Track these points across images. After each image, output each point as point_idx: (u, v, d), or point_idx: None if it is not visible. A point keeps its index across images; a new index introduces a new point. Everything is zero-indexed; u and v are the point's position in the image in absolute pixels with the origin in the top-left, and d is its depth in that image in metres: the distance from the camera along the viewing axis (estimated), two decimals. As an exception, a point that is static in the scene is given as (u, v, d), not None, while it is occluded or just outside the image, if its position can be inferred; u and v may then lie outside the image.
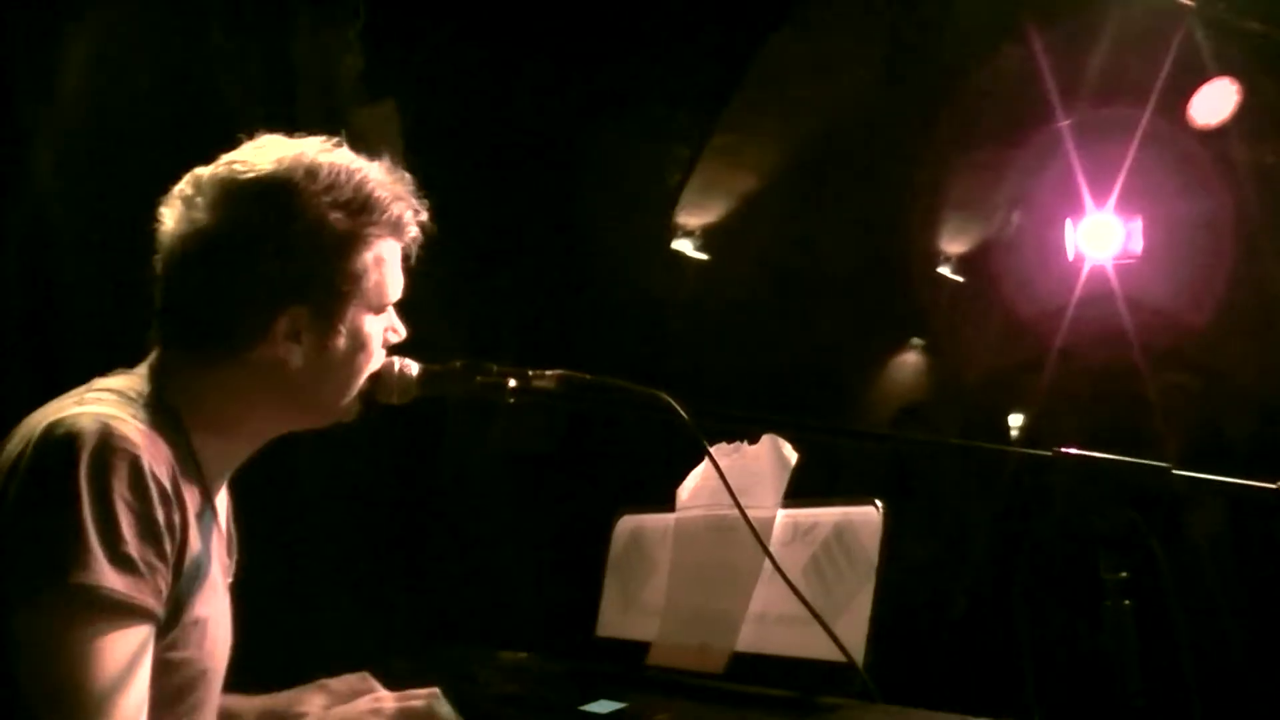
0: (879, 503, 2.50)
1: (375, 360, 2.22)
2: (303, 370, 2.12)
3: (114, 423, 1.88)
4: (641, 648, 2.79)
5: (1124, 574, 1.95)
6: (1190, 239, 5.85)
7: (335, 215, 2.09)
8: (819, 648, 2.36)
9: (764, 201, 6.64)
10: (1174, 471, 1.92)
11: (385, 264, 2.18)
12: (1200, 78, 5.49)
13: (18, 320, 3.67)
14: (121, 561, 1.82)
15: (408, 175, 2.22)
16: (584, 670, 2.82)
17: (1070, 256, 6.18)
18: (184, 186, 2.12)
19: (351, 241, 2.12)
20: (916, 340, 7.66)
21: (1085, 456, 1.97)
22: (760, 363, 6.07)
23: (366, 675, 2.44)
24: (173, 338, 2.12)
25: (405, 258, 2.23)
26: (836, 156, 6.50)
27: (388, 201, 2.15)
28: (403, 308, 2.26)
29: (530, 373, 2.27)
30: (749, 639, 2.59)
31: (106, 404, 1.95)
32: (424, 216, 2.22)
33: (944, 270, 7.51)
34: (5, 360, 3.60)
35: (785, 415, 2.55)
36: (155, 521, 1.88)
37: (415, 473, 4.74)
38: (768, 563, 2.53)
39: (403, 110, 4.73)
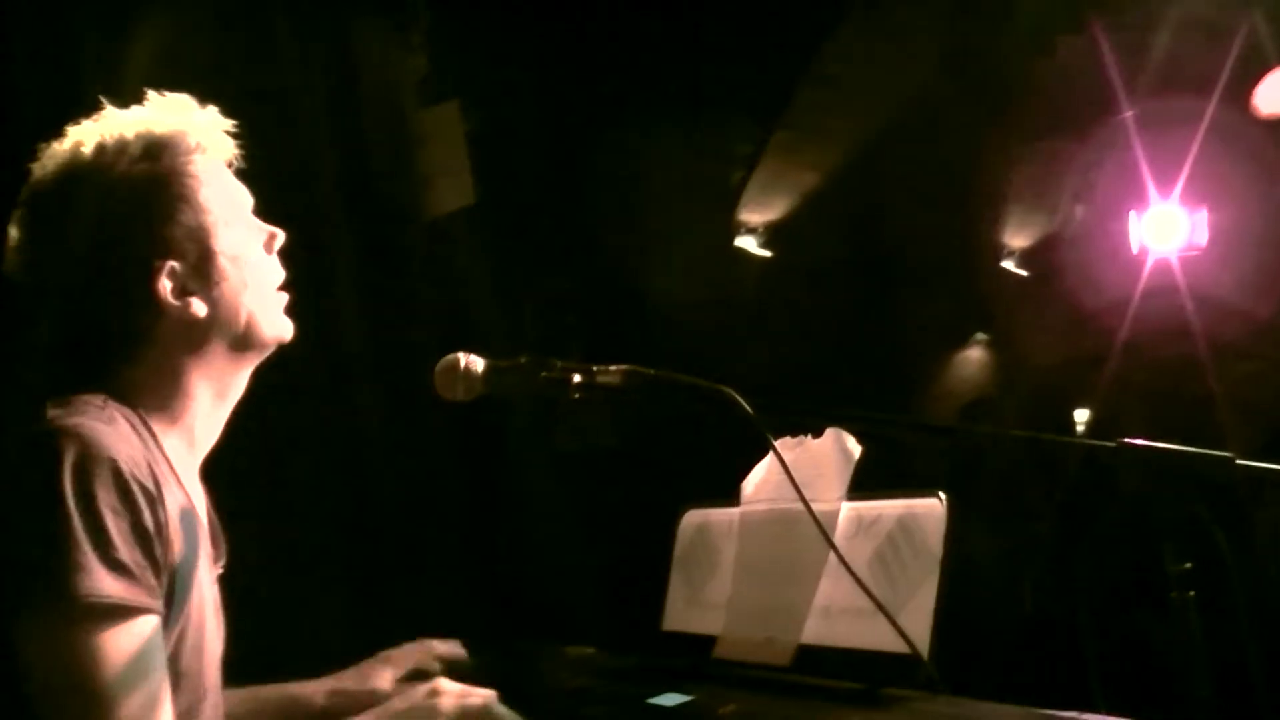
0: (943, 495, 2.50)
1: (270, 267, 2.24)
2: (210, 315, 2.14)
3: (88, 431, 1.90)
4: (708, 641, 2.80)
5: (1188, 565, 1.95)
6: (1255, 230, 5.80)
7: (140, 168, 2.10)
8: (884, 640, 2.37)
9: (827, 198, 6.63)
10: (1237, 462, 1.92)
11: (213, 181, 2.18)
12: (1264, 67, 5.44)
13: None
14: (116, 566, 1.85)
15: (185, 96, 2.22)
16: (651, 664, 2.84)
17: (1134, 249, 6.14)
18: (10, 232, 2.14)
19: (170, 181, 2.13)
20: (981, 335, 7.63)
21: (1148, 447, 1.97)
22: (824, 358, 6.07)
23: (426, 642, 2.46)
24: (91, 358, 2.12)
25: (231, 165, 2.24)
26: (899, 152, 6.49)
27: (178, 130, 2.16)
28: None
29: (595, 369, 2.29)
30: (814, 632, 2.59)
31: (75, 410, 1.96)
32: (218, 120, 2.23)
33: (1008, 264, 7.47)
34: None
35: (848, 409, 2.56)
36: (142, 525, 1.90)
37: (483, 469, 4.77)
38: (832, 556, 2.54)
39: (466, 112, 4.76)
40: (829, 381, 5.90)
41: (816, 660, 2.55)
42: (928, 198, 6.55)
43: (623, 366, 2.28)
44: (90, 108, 2.16)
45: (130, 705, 1.83)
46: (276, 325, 2.23)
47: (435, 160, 4.15)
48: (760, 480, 2.90)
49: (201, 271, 2.13)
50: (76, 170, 2.11)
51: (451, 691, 2.21)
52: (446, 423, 2.32)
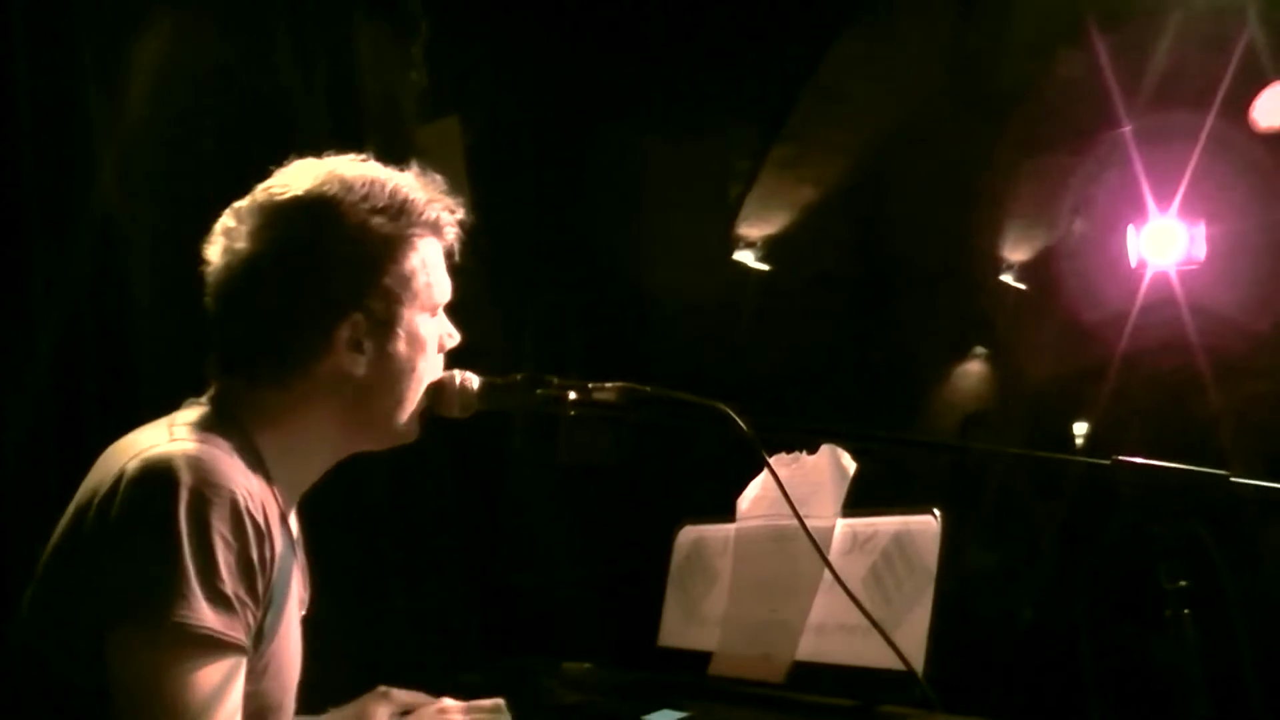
0: (937, 512, 2.51)
1: (435, 365, 2.26)
2: (367, 378, 2.16)
3: (210, 460, 1.92)
4: (703, 657, 2.81)
5: (1184, 583, 1.95)
6: (1254, 244, 5.80)
7: (377, 220, 2.14)
8: (879, 657, 2.38)
9: (825, 212, 6.63)
10: (1232, 479, 1.92)
11: (431, 265, 2.22)
12: (1263, 81, 5.44)
13: (89, 342, 3.71)
14: (218, 599, 1.87)
15: (439, 177, 2.26)
16: (646, 680, 2.84)
17: (1133, 263, 6.14)
18: (225, 220, 2.17)
19: (396, 244, 2.16)
20: (979, 349, 7.63)
21: (1143, 464, 1.97)
22: (822, 370, 6.06)
23: (386, 690, 2.47)
24: (238, 367, 2.15)
25: (449, 256, 2.27)
26: (896, 165, 6.49)
27: (424, 203, 2.20)
28: (464, 321, 2.28)
29: (591, 385, 2.29)
30: (809, 648, 2.60)
31: (197, 438, 1.98)
32: (461, 214, 2.27)
33: (1006, 277, 7.47)
34: (77, 382, 3.64)
35: (844, 425, 2.56)
36: (250, 560, 1.92)
37: (477, 486, 4.77)
38: (827, 572, 2.54)
39: (465, 126, 4.76)
40: (827, 394, 5.90)
41: (811, 677, 2.56)
42: (926, 211, 6.55)
43: (619, 384, 2.29)
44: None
45: None
46: (409, 426, 2.25)
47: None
48: (756, 496, 2.91)
49: (380, 336, 2.16)
50: (324, 195, 2.13)
51: (457, 708, 2.22)
52: (444, 436, 2.31)
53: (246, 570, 1.92)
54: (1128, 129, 5.95)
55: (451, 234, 2.26)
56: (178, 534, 1.84)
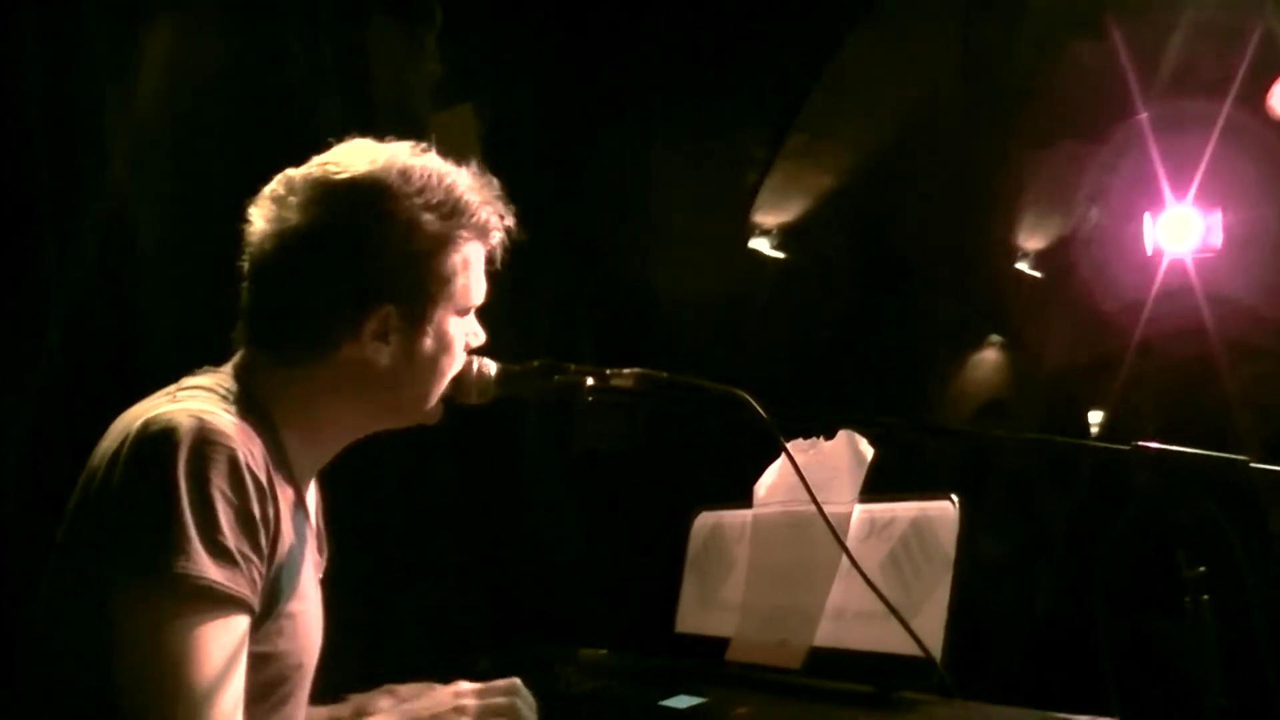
0: (955, 497, 2.50)
1: (458, 363, 2.26)
2: (389, 370, 2.16)
3: (210, 418, 1.93)
4: (720, 643, 2.81)
5: (1202, 569, 1.95)
6: (1270, 231, 5.78)
7: (427, 217, 2.14)
8: (896, 643, 2.37)
9: (841, 200, 6.62)
10: (1252, 465, 1.91)
11: (471, 267, 2.22)
12: (1279, 69, 5.42)
13: (98, 322, 3.72)
14: (219, 552, 1.87)
15: (495, 181, 2.26)
16: (663, 666, 2.84)
17: (1149, 251, 6.12)
18: (275, 186, 2.16)
19: (442, 243, 2.16)
20: (995, 337, 7.61)
21: (1162, 450, 1.97)
22: (837, 359, 6.06)
23: (434, 686, 2.46)
24: (263, 338, 2.16)
25: (489, 261, 2.27)
26: (912, 154, 6.48)
27: (477, 205, 2.20)
28: (482, 309, 2.29)
29: (608, 371, 2.30)
30: (827, 634, 2.60)
31: (200, 400, 2.00)
32: (510, 221, 2.26)
33: (1022, 266, 7.46)
34: (87, 359, 3.65)
35: (861, 412, 2.56)
36: (251, 514, 1.92)
37: (494, 470, 4.77)
38: (845, 558, 2.54)
39: (480, 114, 4.76)
40: (842, 383, 5.89)
41: (829, 663, 2.56)
42: (942, 199, 6.53)
43: (635, 369, 2.29)
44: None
45: (209, 689, 1.85)
46: (431, 411, 2.26)
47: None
48: (773, 482, 2.91)
49: (408, 331, 2.16)
50: (381, 182, 2.13)
51: (471, 689, 2.22)
52: (457, 424, 2.31)
53: (248, 525, 1.92)
54: (1144, 117, 5.93)
55: (496, 239, 2.26)
56: (176, 489, 1.85)
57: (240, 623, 1.92)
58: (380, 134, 2.25)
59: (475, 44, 4.78)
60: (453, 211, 2.16)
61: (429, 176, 2.16)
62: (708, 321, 5.49)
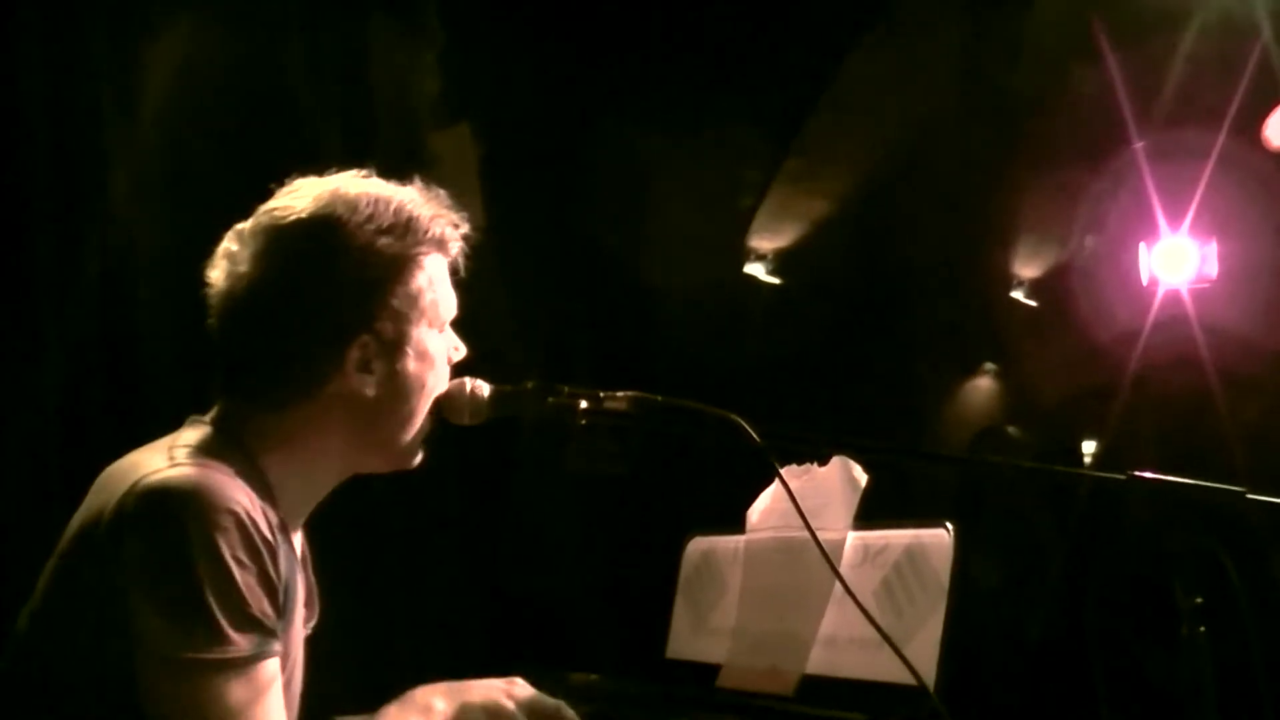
0: (949, 525, 2.49)
1: (443, 380, 2.25)
2: (377, 398, 2.15)
3: (210, 483, 1.92)
4: (712, 669, 2.79)
5: (1198, 599, 1.94)
6: (1266, 262, 5.79)
7: (383, 241, 2.13)
8: (890, 671, 2.35)
9: (837, 226, 6.64)
10: (1248, 496, 1.91)
11: (437, 281, 2.22)
12: (1275, 99, 5.44)
13: (95, 350, 3.71)
14: (244, 623, 1.89)
15: (442, 192, 2.25)
16: (654, 692, 2.82)
17: (1144, 280, 6.13)
18: (227, 244, 2.16)
19: (403, 264, 2.15)
20: (990, 365, 7.62)
21: (1158, 480, 1.96)
22: (832, 385, 6.06)
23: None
24: (247, 389, 2.15)
25: (454, 272, 2.27)
26: (909, 180, 6.49)
27: (429, 219, 2.19)
28: (475, 331, 2.28)
29: (602, 394, 2.29)
30: (819, 661, 2.58)
31: (196, 463, 1.98)
32: (466, 229, 2.26)
33: (1017, 294, 7.47)
34: (82, 390, 3.64)
35: (856, 437, 2.55)
36: (266, 573, 1.93)
37: (486, 494, 4.76)
38: (838, 585, 2.52)
39: (478, 133, 4.76)
40: (837, 409, 5.89)
41: (821, 691, 2.54)
42: (937, 227, 6.55)
43: (630, 393, 2.28)
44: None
45: None
46: (414, 443, 2.25)
47: (445, 182, 4.16)
48: (766, 508, 2.89)
49: (389, 356, 2.16)
50: (329, 217, 2.12)
51: (526, 686, 2.21)
52: (452, 445, 2.30)
53: (267, 587, 1.93)
54: (1140, 147, 5.95)
55: (456, 248, 2.26)
56: (194, 569, 1.85)
57: (272, 665, 1.93)
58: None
59: (470, 57, 4.78)
60: (406, 230, 2.16)
61: (375, 202, 2.15)
62: (704, 345, 5.50)
